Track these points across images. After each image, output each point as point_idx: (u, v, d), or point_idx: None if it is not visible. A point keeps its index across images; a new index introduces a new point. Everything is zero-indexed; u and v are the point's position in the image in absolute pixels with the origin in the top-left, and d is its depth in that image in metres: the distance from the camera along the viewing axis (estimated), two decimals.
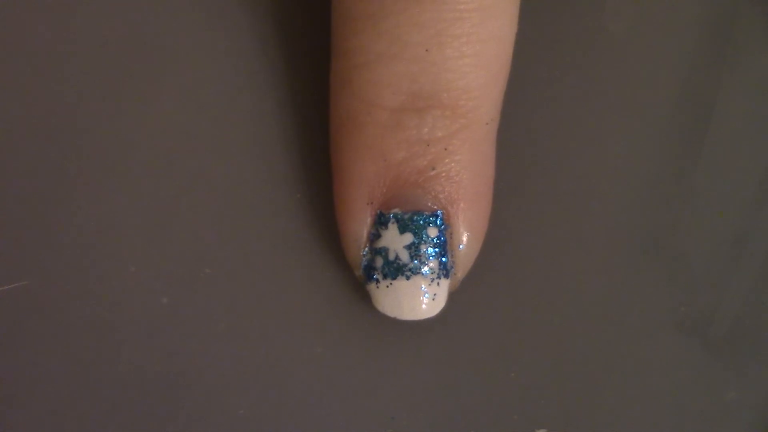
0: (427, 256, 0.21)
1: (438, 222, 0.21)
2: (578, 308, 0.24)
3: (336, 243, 0.23)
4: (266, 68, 0.24)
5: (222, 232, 0.23)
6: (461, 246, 0.22)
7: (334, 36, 0.22)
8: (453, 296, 0.23)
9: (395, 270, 0.21)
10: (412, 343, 0.23)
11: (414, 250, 0.21)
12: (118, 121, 0.24)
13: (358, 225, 0.22)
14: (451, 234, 0.22)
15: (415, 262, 0.21)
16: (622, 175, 0.24)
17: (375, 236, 0.22)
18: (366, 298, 0.22)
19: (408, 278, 0.21)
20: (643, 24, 0.25)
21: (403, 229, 0.21)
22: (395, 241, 0.21)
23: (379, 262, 0.22)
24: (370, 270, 0.22)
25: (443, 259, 0.22)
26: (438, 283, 0.22)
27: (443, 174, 0.21)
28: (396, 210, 0.21)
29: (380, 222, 0.22)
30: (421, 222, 0.21)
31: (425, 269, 0.21)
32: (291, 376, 0.23)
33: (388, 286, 0.22)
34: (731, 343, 0.24)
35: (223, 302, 0.23)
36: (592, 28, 0.25)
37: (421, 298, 0.22)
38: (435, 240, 0.21)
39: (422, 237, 0.21)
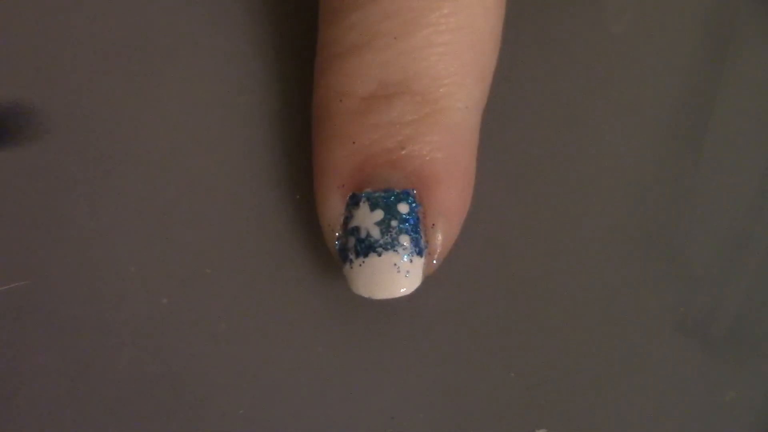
0: (398, 231, 0.21)
1: (409, 200, 0.21)
2: (578, 308, 0.24)
3: None
4: (266, 68, 0.24)
5: (222, 232, 0.23)
6: (434, 226, 0.22)
7: (318, 30, 0.22)
8: (453, 296, 0.23)
9: (367, 247, 0.21)
10: (412, 343, 0.23)
11: (385, 226, 0.21)
12: (118, 121, 0.24)
13: (332, 210, 0.22)
14: (423, 213, 0.22)
15: (386, 237, 0.21)
16: (621, 174, 0.24)
17: (348, 218, 0.22)
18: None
19: (380, 255, 0.21)
20: (643, 24, 0.25)
21: (373, 207, 0.21)
22: (366, 218, 0.21)
23: (351, 242, 0.21)
24: (344, 252, 0.22)
25: (415, 235, 0.21)
26: (411, 260, 0.21)
27: (414, 153, 0.21)
28: (367, 189, 0.21)
29: (352, 203, 0.22)
30: (392, 198, 0.21)
31: (397, 246, 0.21)
32: (291, 376, 0.23)
33: (360, 265, 0.21)
34: (731, 343, 0.24)
35: (223, 302, 0.23)
36: (592, 29, 0.25)
37: (394, 275, 0.21)
38: (405, 216, 0.21)
39: (393, 213, 0.21)
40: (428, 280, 0.22)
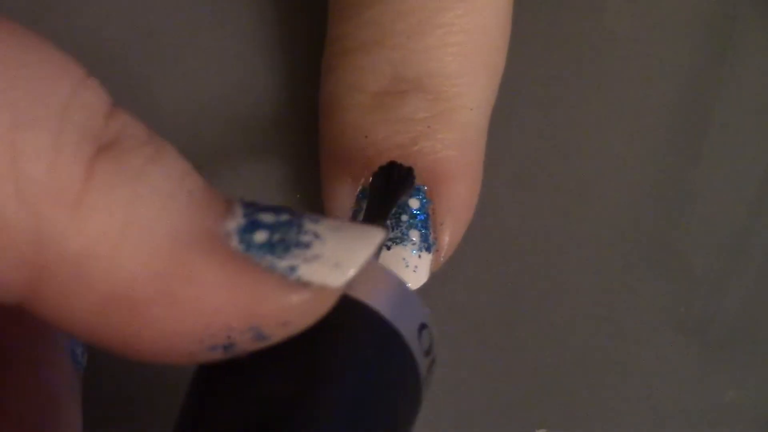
0: (408, 226, 0.21)
1: (420, 196, 0.21)
2: (578, 308, 0.24)
3: None
4: (267, 67, 0.24)
5: None
6: (443, 223, 0.22)
7: (328, 25, 0.22)
8: (453, 295, 0.23)
9: None
10: None
11: (395, 220, 0.21)
12: None
13: (342, 203, 0.22)
14: (433, 210, 0.22)
15: (396, 231, 0.21)
16: (622, 175, 0.24)
17: (357, 212, 0.22)
18: None
19: (389, 248, 0.21)
20: (643, 24, 0.25)
21: None
22: None
23: None
24: None
25: (425, 231, 0.21)
26: (420, 256, 0.21)
27: (426, 150, 0.21)
28: None
29: (362, 197, 0.21)
30: None
31: (407, 241, 0.21)
32: None
33: None
34: (731, 343, 0.24)
35: None
36: (593, 28, 0.25)
37: (402, 269, 0.21)
38: (416, 211, 0.21)
39: (403, 208, 0.21)
40: (429, 279, 0.22)
